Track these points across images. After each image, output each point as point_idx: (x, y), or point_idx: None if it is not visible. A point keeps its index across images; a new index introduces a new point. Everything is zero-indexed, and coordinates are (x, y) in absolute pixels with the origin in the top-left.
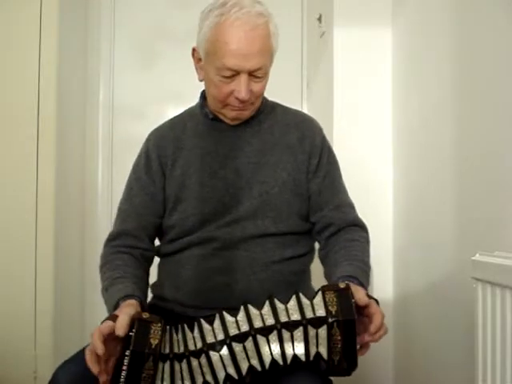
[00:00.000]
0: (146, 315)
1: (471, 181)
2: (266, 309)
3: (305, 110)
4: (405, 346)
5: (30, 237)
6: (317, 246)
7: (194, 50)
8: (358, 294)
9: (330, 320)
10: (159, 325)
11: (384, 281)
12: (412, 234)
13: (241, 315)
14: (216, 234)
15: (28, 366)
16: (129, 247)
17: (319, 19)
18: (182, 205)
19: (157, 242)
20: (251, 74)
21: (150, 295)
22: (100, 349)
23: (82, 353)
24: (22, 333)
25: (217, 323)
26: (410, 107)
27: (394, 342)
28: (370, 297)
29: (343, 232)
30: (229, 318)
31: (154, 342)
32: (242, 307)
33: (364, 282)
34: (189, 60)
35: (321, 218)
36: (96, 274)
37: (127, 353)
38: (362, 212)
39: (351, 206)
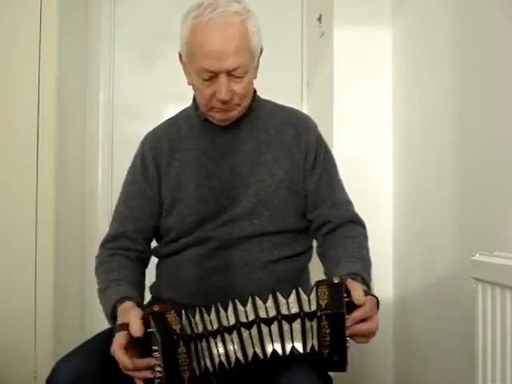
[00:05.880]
0: (156, 308)
1: (471, 181)
2: (270, 302)
3: (304, 110)
4: (405, 346)
5: (30, 238)
6: (314, 243)
7: (180, 54)
8: (355, 292)
9: (318, 313)
10: (172, 312)
11: (384, 281)
12: (412, 234)
13: (249, 306)
14: (213, 234)
15: (28, 366)
16: (125, 249)
17: (319, 19)
18: (178, 206)
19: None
20: (230, 74)
21: (148, 296)
22: (128, 363)
23: (82, 347)
24: (22, 334)
25: (230, 310)
26: (410, 107)
27: (393, 341)
28: (370, 294)
29: (341, 229)
30: (240, 306)
31: (177, 327)
32: (249, 299)
33: (366, 279)
34: None
35: (318, 216)
36: None
37: (155, 348)
38: (362, 212)
39: (349, 203)
